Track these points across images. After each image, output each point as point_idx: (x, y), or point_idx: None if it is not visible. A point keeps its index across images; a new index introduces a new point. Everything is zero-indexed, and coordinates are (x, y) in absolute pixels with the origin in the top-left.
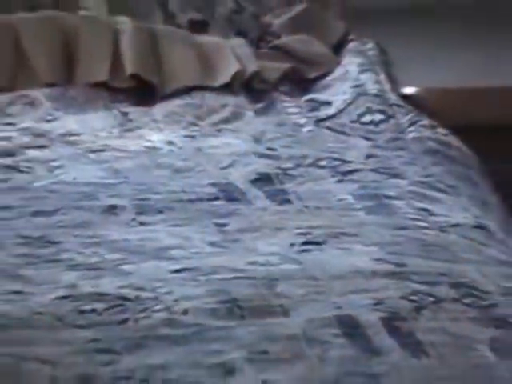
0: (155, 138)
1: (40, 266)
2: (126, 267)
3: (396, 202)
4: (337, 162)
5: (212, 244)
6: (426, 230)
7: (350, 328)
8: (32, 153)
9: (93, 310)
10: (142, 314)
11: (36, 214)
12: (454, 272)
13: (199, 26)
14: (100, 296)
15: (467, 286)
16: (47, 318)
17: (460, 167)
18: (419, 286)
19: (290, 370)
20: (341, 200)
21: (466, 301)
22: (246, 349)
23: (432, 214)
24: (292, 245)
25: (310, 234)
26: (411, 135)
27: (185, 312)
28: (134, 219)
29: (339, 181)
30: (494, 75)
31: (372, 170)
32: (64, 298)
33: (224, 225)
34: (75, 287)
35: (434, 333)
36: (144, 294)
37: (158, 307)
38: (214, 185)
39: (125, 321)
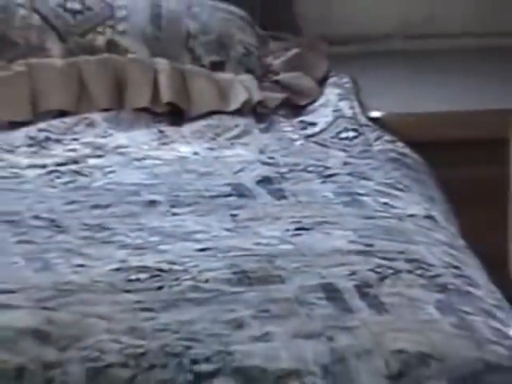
0: (184, 149)
1: (98, 246)
2: (162, 247)
3: (365, 198)
4: (321, 168)
5: (227, 229)
6: (388, 219)
7: (331, 293)
8: (92, 161)
9: (137, 279)
10: (174, 282)
11: (94, 207)
12: (409, 250)
13: (218, 66)
14: (143, 268)
15: (418, 261)
16: (103, 284)
17: (413, 172)
18: (382, 261)
19: (285, 324)
20: (324, 196)
21: (418, 272)
22: (253, 308)
23: (392, 207)
24: (287, 230)
25: (301, 222)
26: (377, 148)
27: (206, 281)
28: (168, 211)
29: (323, 182)
30: (439, 104)
31: (347, 174)
32: (116, 269)
33: (236, 215)
34: (124, 262)
35: (393, 296)
36: (175, 267)
37: (186, 277)
38: (228, 185)
39: (161, 287)
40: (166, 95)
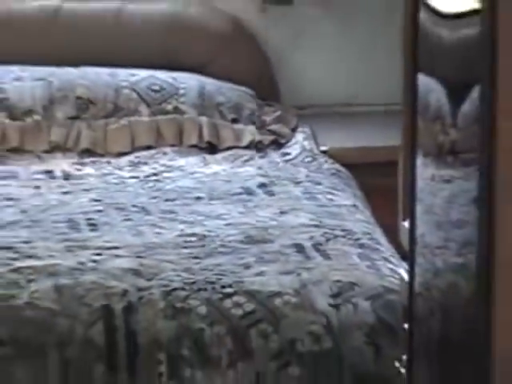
0: (217, 168)
1: (168, 222)
2: (204, 222)
3: (319, 195)
4: (293, 178)
5: (240, 213)
6: (331, 207)
7: (299, 248)
8: (165, 174)
9: (190, 241)
10: (211, 242)
11: (166, 200)
12: (343, 225)
13: (235, 121)
14: (193, 234)
15: (348, 230)
16: (171, 244)
17: (345, 180)
18: (328, 231)
19: (274, 265)
20: (295, 194)
21: (348, 237)
22: (255, 257)
23: (333, 200)
24: (274, 213)
25: (282, 209)
26: (325, 167)
27: (229, 241)
28: (207, 202)
29: (294, 186)
30: (360, 141)
31: (308, 181)
32: (178, 235)
33: (246, 205)
34: (183, 231)
35: (334, 250)
36: (212, 234)
37: (217, 239)
38: (241, 187)
39: (203, 245)
40: (206, 137)
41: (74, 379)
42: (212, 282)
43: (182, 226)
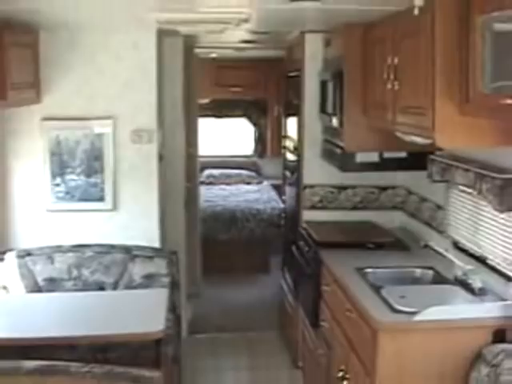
0: (249, 187)
1: (241, 196)
2: (248, 198)
3: (270, 192)
4: (263, 189)
5: (255, 195)
6: (273, 195)
7: (267, 201)
8: (241, 189)
9: (245, 201)
10: (250, 200)
11: (242, 191)
12: (272, 198)
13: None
14: (245, 199)
15: (273, 198)
16: (242, 202)
17: (274, 189)
18: (269, 199)
19: (261, 203)
20: (263, 193)
21: (273, 201)
22: (257, 203)
23: (273, 194)
24: (261, 196)
25: (261, 194)
26: (270, 187)
27: (253, 199)
28: (247, 193)
29: (264, 190)
30: None
31: (267, 190)
32: (242, 199)
33: (255, 194)
34: (243, 199)
35: (271, 203)
36: (249, 200)
37: (250, 201)
38: (254, 191)
39: (248, 202)
40: (246, 181)
41: (221, 226)
42: (250, 207)
43: (242, 197)
